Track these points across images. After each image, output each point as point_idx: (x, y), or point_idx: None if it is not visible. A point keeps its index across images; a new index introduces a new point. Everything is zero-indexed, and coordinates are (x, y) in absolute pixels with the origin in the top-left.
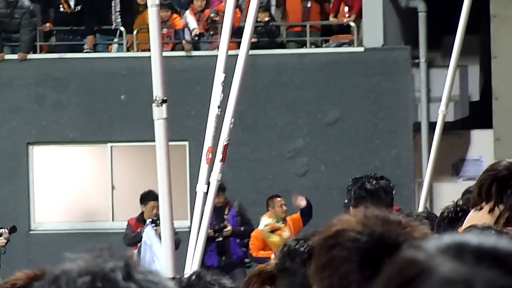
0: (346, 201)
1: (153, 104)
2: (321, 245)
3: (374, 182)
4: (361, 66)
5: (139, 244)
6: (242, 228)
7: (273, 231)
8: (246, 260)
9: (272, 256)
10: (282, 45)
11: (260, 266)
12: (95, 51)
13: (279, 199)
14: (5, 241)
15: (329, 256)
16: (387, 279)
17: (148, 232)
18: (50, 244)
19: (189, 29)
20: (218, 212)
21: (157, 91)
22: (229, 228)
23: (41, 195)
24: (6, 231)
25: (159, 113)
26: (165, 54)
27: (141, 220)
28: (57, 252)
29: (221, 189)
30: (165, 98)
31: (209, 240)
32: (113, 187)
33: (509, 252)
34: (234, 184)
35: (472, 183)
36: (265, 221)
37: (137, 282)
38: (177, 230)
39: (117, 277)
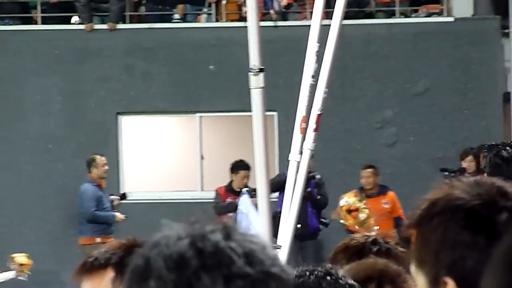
0: (444, 170)
1: (250, 73)
2: (424, 214)
3: (510, 150)
4: (450, 36)
5: (233, 214)
6: (318, 197)
7: (350, 211)
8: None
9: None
10: (370, 15)
11: (345, 241)
12: (184, 21)
13: (368, 170)
14: (123, 217)
15: (435, 222)
16: (509, 246)
17: (244, 201)
18: (140, 214)
19: (278, 1)
20: None
21: (254, 60)
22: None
23: (130, 165)
24: (118, 197)
25: (256, 82)
26: None
27: (230, 189)
28: (147, 221)
29: None
30: (262, 67)
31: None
32: (202, 157)
33: None
34: (322, 155)
35: None
36: (343, 201)
37: (237, 242)
38: None
39: (217, 237)
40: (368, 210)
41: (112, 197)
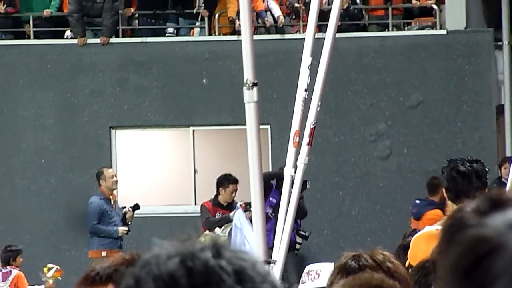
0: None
1: (244, 88)
2: (443, 232)
3: (467, 164)
4: (443, 49)
5: (229, 227)
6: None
7: None
8: (298, 246)
9: None
10: (364, 28)
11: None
12: (177, 35)
13: None
14: (127, 229)
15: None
16: (457, 259)
17: (238, 215)
18: (134, 228)
19: (273, 15)
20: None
21: (248, 74)
22: None
23: (124, 179)
24: (130, 209)
25: (250, 96)
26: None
27: (217, 203)
28: (141, 235)
29: None
30: (255, 82)
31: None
32: (195, 171)
33: None
34: (316, 168)
35: None
36: None
37: (227, 260)
38: None
39: (207, 255)
40: None
41: (125, 209)
